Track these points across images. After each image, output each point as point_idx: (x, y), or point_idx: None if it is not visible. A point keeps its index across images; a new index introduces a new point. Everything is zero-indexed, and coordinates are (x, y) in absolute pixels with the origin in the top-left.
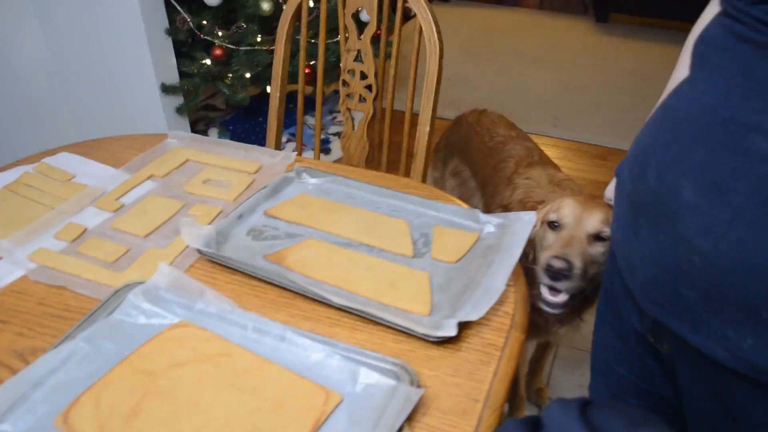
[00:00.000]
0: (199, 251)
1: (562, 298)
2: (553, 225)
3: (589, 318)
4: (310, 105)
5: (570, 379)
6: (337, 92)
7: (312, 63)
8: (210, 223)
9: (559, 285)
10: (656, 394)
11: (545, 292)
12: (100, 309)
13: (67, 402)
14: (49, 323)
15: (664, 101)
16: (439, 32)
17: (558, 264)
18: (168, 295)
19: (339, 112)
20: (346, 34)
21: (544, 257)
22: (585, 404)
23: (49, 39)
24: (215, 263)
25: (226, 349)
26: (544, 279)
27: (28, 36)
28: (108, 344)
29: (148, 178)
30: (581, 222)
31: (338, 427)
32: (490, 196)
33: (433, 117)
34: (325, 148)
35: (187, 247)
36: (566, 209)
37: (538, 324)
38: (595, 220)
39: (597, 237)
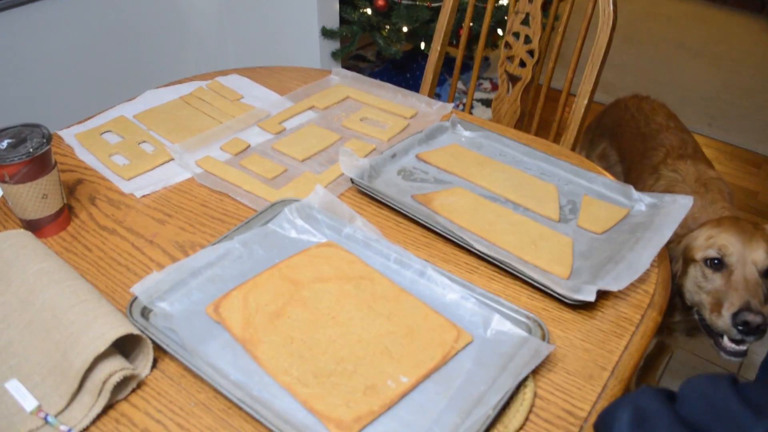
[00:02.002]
0: (352, 181)
1: (746, 346)
2: (714, 263)
3: None
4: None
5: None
6: (487, 59)
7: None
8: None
9: (750, 339)
10: None
11: (728, 342)
12: (257, 218)
13: (218, 294)
14: (209, 223)
15: None
16: (614, 4)
17: (756, 320)
18: (320, 215)
19: (486, 79)
20: None
21: (728, 310)
22: (734, 380)
23: None
24: (364, 195)
25: (368, 273)
26: (734, 334)
27: None
28: (260, 250)
29: (310, 108)
30: (746, 257)
31: (465, 365)
32: (633, 183)
33: (593, 91)
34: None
35: (341, 176)
36: (729, 246)
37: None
38: (763, 253)
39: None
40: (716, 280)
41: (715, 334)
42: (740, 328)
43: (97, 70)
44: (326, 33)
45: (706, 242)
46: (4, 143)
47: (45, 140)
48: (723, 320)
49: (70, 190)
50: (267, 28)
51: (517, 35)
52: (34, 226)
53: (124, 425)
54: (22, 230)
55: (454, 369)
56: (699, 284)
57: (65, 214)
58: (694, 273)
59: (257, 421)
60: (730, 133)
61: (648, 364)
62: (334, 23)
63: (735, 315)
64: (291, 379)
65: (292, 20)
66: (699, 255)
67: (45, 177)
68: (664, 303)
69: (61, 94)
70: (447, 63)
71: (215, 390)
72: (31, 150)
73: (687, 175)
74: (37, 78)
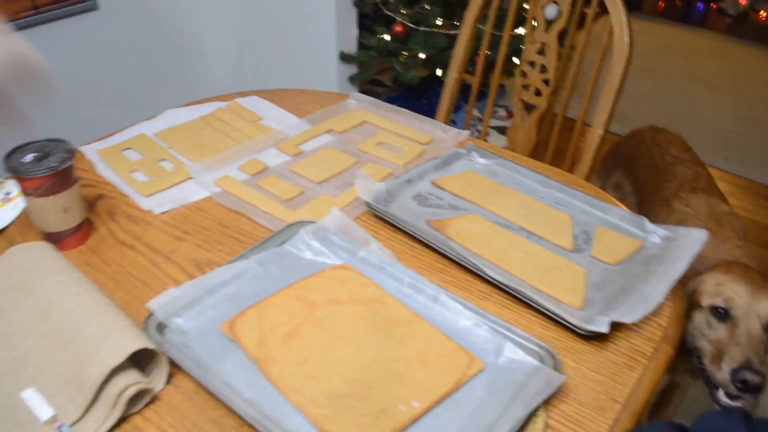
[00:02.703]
0: (367, 204)
1: (741, 402)
2: (719, 312)
3: None
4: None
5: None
6: (503, 86)
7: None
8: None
9: (746, 397)
10: None
11: (723, 396)
12: (273, 238)
13: (234, 312)
14: (225, 242)
15: None
16: (631, 35)
17: (755, 380)
18: (335, 238)
19: (501, 106)
20: (533, 25)
21: (728, 365)
22: (747, 416)
23: None
24: (379, 219)
25: (382, 297)
26: (732, 390)
27: None
28: (275, 270)
29: (327, 131)
30: (751, 311)
31: (477, 392)
32: (646, 215)
33: (608, 122)
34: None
35: (356, 199)
36: (736, 298)
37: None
38: None
39: None
40: (720, 330)
41: (711, 384)
42: (738, 385)
43: (119, 87)
44: (344, 57)
45: (713, 288)
46: (29, 157)
47: (68, 155)
48: (722, 374)
49: (91, 205)
50: (286, 51)
51: (533, 64)
52: (54, 239)
53: None
54: (42, 242)
55: (465, 396)
56: (702, 331)
57: (85, 228)
58: (699, 319)
59: None
60: (746, 166)
61: (661, 401)
62: (352, 48)
63: (735, 371)
64: (303, 400)
65: (310, 44)
66: (705, 302)
67: (67, 191)
68: (678, 337)
69: (83, 110)
70: (462, 90)
71: (228, 407)
72: (54, 164)
73: (699, 210)
74: (65, 94)
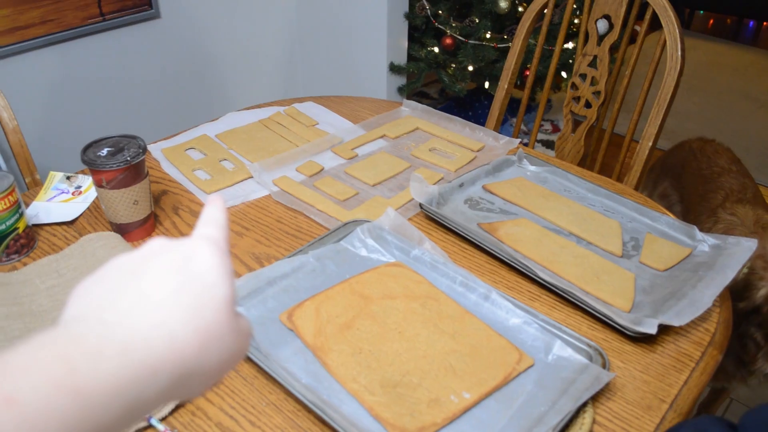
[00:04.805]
0: (421, 206)
1: None
2: None
3: None
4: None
5: None
6: (549, 100)
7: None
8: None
9: None
10: None
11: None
12: (331, 235)
13: (292, 303)
14: (283, 238)
15: None
16: (683, 50)
17: None
18: (389, 236)
19: (547, 120)
20: (585, 38)
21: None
22: None
23: (300, 4)
24: (432, 220)
25: (434, 294)
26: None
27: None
28: (332, 265)
29: (381, 137)
30: None
31: (526, 387)
32: (692, 224)
33: (658, 134)
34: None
35: (409, 201)
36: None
37: (725, 368)
38: None
39: None
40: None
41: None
42: None
43: (178, 91)
44: (394, 68)
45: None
46: (104, 151)
47: (141, 151)
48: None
49: (156, 199)
50: (337, 61)
51: (583, 77)
52: (123, 230)
53: (200, 418)
54: (112, 232)
55: (515, 389)
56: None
57: (151, 221)
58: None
59: (325, 423)
60: None
61: (700, 412)
62: (402, 59)
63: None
64: (358, 387)
65: (362, 55)
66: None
67: (138, 185)
68: (725, 342)
69: (147, 112)
70: (508, 104)
71: (286, 392)
72: (128, 159)
73: (745, 219)
74: (131, 96)
